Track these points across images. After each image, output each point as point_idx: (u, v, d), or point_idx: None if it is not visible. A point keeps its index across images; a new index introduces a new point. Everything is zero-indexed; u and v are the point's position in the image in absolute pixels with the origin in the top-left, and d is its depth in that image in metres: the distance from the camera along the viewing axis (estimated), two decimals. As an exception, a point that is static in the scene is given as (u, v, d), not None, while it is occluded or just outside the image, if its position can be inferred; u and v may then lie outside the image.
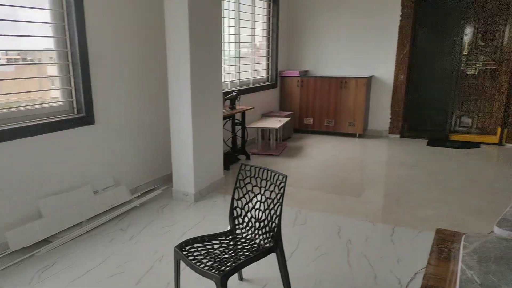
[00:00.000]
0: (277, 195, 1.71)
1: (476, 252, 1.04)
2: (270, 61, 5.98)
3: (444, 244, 1.15)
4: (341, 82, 5.67)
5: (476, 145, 5.22)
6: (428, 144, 5.31)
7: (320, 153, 4.92)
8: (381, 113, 5.84)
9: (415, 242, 2.58)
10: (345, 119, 5.75)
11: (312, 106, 5.94)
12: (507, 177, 3.93)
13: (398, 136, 5.76)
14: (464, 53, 5.34)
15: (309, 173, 4.14)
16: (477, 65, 5.30)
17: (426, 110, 5.69)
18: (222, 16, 3.84)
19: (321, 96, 5.84)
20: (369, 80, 5.67)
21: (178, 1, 3.02)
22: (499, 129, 5.24)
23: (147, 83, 3.52)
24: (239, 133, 4.75)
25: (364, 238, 2.67)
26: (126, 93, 3.31)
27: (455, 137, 5.52)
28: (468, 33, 5.28)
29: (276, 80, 6.06)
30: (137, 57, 3.38)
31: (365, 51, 5.78)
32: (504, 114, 5.17)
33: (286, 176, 1.69)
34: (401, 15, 5.41)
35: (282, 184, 1.69)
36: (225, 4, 4.68)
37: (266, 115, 5.61)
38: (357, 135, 5.79)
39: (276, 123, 4.93)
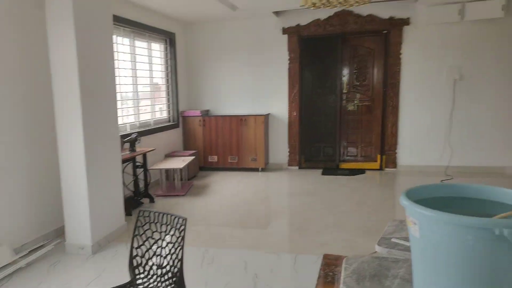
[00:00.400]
0: (178, 238, 1.70)
1: (354, 273, 1.19)
2: (170, 101, 6.00)
3: (329, 269, 1.28)
4: (241, 120, 5.93)
5: (362, 171, 5.86)
6: (323, 173, 5.79)
7: (226, 189, 5.00)
8: (280, 147, 6.23)
9: (315, 268, 2.76)
10: (248, 155, 5.98)
11: (215, 144, 6.07)
12: (388, 198, 4.48)
13: (296, 167, 6.17)
14: (344, 91, 6.07)
15: (216, 210, 4.17)
16: (355, 101, 6.06)
17: (318, 143, 6.24)
18: (116, 58, 3.78)
19: (223, 134, 6.02)
20: (266, 117, 6.04)
21: (65, 45, 2.91)
22: (378, 156, 5.98)
23: (33, 127, 3.24)
24: (141, 176, 4.60)
25: (269, 270, 2.76)
26: (8, 138, 3.00)
27: (344, 166, 6.13)
28: (346, 74, 6.04)
29: (178, 120, 6.08)
30: (22, 99, 3.11)
31: (261, 91, 6.18)
32: (381, 143, 5.94)
33: (186, 219, 1.71)
34: (289, 59, 5.97)
35: (183, 227, 1.69)
36: (119, 47, 4.63)
37: (169, 155, 5.54)
38: (260, 169, 6.05)
39: (180, 162, 4.90)
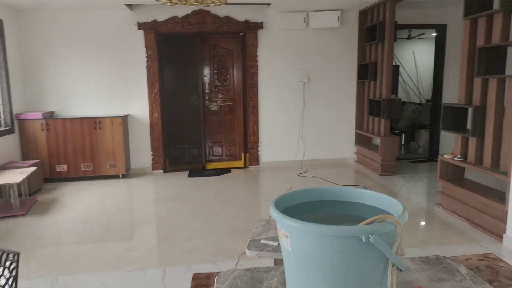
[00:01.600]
0: (8, 280, 1.34)
1: None
2: (1, 103, 4.98)
3: None
4: (94, 122, 5.32)
5: (228, 170, 5.95)
6: (189, 175, 5.65)
7: (80, 202, 4.41)
8: (142, 150, 5.84)
9: (186, 279, 2.61)
10: (105, 161, 5.41)
11: (64, 151, 5.30)
12: (253, 196, 4.63)
13: (161, 171, 5.88)
14: (206, 91, 6.05)
15: (69, 228, 3.61)
16: (218, 101, 6.11)
17: (183, 144, 6.08)
18: None
19: (74, 139, 5.30)
20: (125, 118, 5.57)
21: None
22: (242, 154, 6.16)
23: None
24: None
25: (135, 290, 2.50)
26: None
27: (211, 166, 6.12)
28: (207, 74, 6.03)
29: (12, 124, 5.09)
30: None
31: (118, 90, 5.67)
32: (244, 142, 6.13)
33: (18, 254, 1.35)
34: (146, 56, 5.63)
35: (14, 265, 1.34)
36: None
37: (3, 168, 4.59)
38: (121, 175, 5.55)
39: (17, 176, 4.09)
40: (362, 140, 6.27)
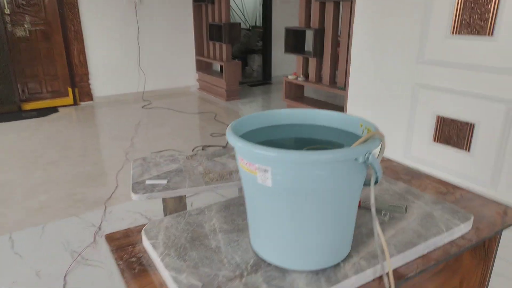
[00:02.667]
0: None
1: (168, 247, 0.90)
2: None
3: (128, 254, 0.92)
4: None
5: (54, 110, 5.01)
6: (1, 121, 4.51)
7: None
8: None
9: (43, 241, 2.15)
10: None
11: None
12: (96, 136, 4.06)
13: (-44, 119, 4.49)
14: (7, 12, 4.69)
15: None
16: (26, 26, 4.85)
17: (-17, 82, 4.71)
18: None
19: None
20: None
21: None
22: (70, 90, 5.24)
23: None
24: None
25: (-26, 272, 1.92)
26: None
27: (29, 106, 5.01)
28: (5, -13, 4.62)
29: None
30: None
31: None
32: (70, 74, 5.18)
33: None
34: None
35: None
36: None
37: None
38: None
39: None
40: (203, 67, 6.17)
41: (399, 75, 2.87)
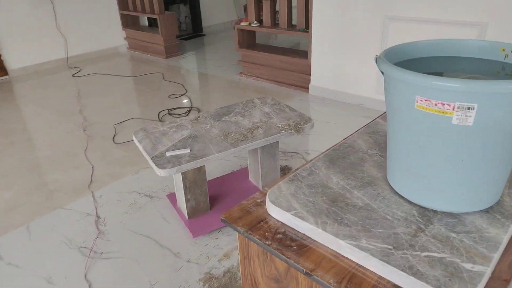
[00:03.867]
0: None
1: (318, 215, 0.78)
2: None
3: (269, 232, 0.78)
4: None
5: (-39, 92, 4.15)
6: None
7: None
8: None
9: (36, 243, 1.84)
10: None
11: None
12: (33, 115, 3.48)
13: None
14: None
15: None
16: None
17: None
18: None
19: None
20: None
21: None
22: (-25, 65, 4.36)
23: None
24: None
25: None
26: None
27: None
28: None
29: None
30: None
31: None
32: (-28, 46, 4.28)
33: None
34: None
35: None
36: None
37: None
38: None
39: None
40: (130, 23, 5.55)
41: (368, 8, 2.86)
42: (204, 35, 6.46)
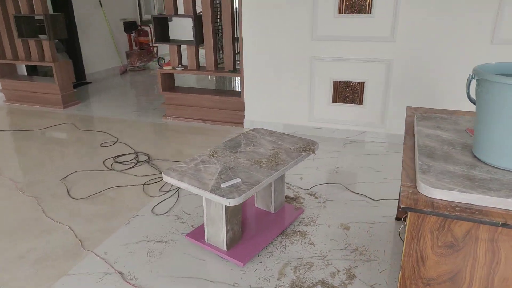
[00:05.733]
0: None
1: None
2: None
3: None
4: None
5: None
6: None
7: None
8: None
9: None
10: None
11: None
12: None
13: None
14: None
15: None
16: None
17: None
18: None
19: None
20: None
21: None
22: None
23: None
24: None
25: None
26: None
27: None
28: None
29: None
30: None
31: None
32: None
33: None
34: None
35: None
36: None
37: None
38: None
39: None
40: (7, 72, 4.88)
41: (296, 51, 3.39)
42: (90, 82, 6.09)
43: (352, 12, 3.13)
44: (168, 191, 2.56)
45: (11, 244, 2.04)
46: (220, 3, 6.61)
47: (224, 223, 1.81)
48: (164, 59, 7.64)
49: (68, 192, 2.57)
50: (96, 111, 4.52)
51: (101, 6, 6.41)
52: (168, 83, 4.13)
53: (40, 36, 4.51)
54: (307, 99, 3.51)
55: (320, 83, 3.42)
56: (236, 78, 6.01)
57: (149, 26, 7.32)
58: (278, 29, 3.38)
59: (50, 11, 6.09)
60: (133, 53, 6.92)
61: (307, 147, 2.07)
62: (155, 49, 7.47)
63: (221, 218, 1.81)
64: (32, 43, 4.54)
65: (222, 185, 1.67)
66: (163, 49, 8.07)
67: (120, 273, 1.80)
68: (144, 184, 2.67)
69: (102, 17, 6.45)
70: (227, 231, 1.84)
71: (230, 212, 1.82)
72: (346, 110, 3.43)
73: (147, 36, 7.22)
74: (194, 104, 4.01)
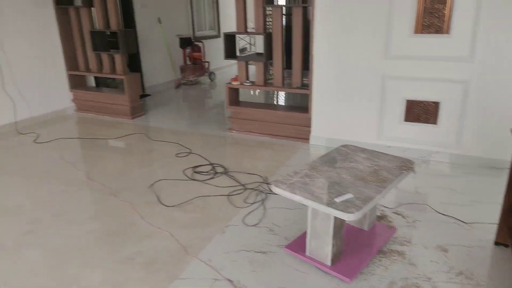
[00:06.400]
0: None
1: None
2: None
3: None
4: None
5: None
6: None
7: None
8: None
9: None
10: None
11: None
12: (38, 183, 2.95)
13: None
14: None
15: None
16: None
17: None
18: None
19: None
20: None
21: None
22: None
23: None
24: None
25: None
26: None
27: None
28: None
29: None
30: None
31: None
32: None
33: None
34: None
35: None
36: None
37: None
38: None
39: None
40: (78, 84, 5.18)
41: (368, 69, 3.43)
42: (149, 94, 6.35)
43: (429, 32, 3.16)
44: (253, 203, 2.63)
45: (117, 247, 2.16)
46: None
47: (331, 237, 1.85)
48: (215, 74, 7.89)
49: (158, 199, 2.70)
50: (161, 122, 4.70)
51: (160, 23, 6.72)
52: (234, 97, 4.26)
53: (112, 50, 4.77)
54: (377, 117, 3.53)
55: (392, 101, 3.44)
56: (280, 93, 6.10)
57: (201, 42, 7.60)
58: (349, 48, 3.44)
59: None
60: (187, 68, 7.18)
61: (405, 165, 2.10)
62: (206, 64, 7.72)
63: (328, 232, 1.86)
64: (104, 56, 4.81)
65: (336, 200, 1.71)
66: (213, 64, 8.33)
67: (229, 280, 1.87)
68: (228, 194, 2.76)
69: (161, 33, 6.75)
70: (333, 246, 1.87)
71: (336, 227, 1.86)
72: (419, 129, 3.41)
73: (200, 51, 7.48)
74: (259, 118, 4.11)
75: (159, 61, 6.82)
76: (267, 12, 4.56)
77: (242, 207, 2.59)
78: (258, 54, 3.91)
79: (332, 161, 2.16)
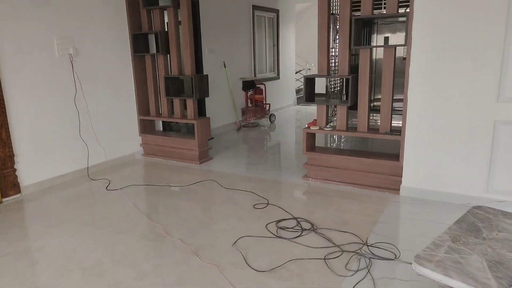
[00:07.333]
0: None
1: None
2: None
3: None
4: None
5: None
6: None
7: None
8: None
9: None
10: None
11: None
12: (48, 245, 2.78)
13: None
14: None
15: None
16: None
17: None
18: None
19: None
20: None
21: None
22: (-18, 182, 3.52)
23: None
24: None
25: None
26: None
27: None
28: None
29: None
30: None
31: None
32: (-18, 159, 3.51)
33: None
34: None
35: None
36: None
37: None
38: None
39: None
40: (148, 128, 5.17)
41: (474, 114, 3.01)
42: (213, 138, 6.26)
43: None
44: (357, 271, 2.24)
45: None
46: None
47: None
48: (275, 116, 7.74)
49: (245, 260, 2.39)
50: (229, 167, 4.49)
51: (225, 67, 6.76)
52: (311, 143, 3.98)
53: (182, 94, 4.74)
54: (485, 167, 3.06)
55: (506, 149, 2.97)
56: (338, 136, 5.71)
57: (263, 84, 7.53)
58: (451, 91, 3.06)
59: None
60: (249, 110, 7.10)
61: None
62: (267, 106, 7.61)
63: (490, 328, 1.42)
64: (176, 101, 4.79)
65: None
66: (273, 106, 8.21)
67: None
68: (325, 258, 2.39)
69: (225, 76, 6.77)
70: None
71: None
72: (541, 182, 2.89)
73: (262, 94, 7.40)
74: (339, 166, 3.76)
75: (222, 104, 6.80)
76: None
77: (345, 276, 2.20)
78: (319, 94, 3.65)
79: (475, 229, 1.74)
